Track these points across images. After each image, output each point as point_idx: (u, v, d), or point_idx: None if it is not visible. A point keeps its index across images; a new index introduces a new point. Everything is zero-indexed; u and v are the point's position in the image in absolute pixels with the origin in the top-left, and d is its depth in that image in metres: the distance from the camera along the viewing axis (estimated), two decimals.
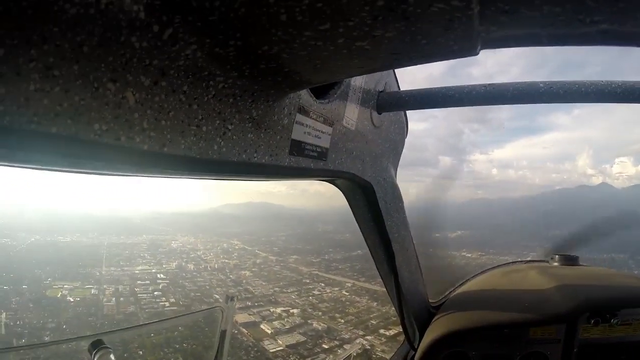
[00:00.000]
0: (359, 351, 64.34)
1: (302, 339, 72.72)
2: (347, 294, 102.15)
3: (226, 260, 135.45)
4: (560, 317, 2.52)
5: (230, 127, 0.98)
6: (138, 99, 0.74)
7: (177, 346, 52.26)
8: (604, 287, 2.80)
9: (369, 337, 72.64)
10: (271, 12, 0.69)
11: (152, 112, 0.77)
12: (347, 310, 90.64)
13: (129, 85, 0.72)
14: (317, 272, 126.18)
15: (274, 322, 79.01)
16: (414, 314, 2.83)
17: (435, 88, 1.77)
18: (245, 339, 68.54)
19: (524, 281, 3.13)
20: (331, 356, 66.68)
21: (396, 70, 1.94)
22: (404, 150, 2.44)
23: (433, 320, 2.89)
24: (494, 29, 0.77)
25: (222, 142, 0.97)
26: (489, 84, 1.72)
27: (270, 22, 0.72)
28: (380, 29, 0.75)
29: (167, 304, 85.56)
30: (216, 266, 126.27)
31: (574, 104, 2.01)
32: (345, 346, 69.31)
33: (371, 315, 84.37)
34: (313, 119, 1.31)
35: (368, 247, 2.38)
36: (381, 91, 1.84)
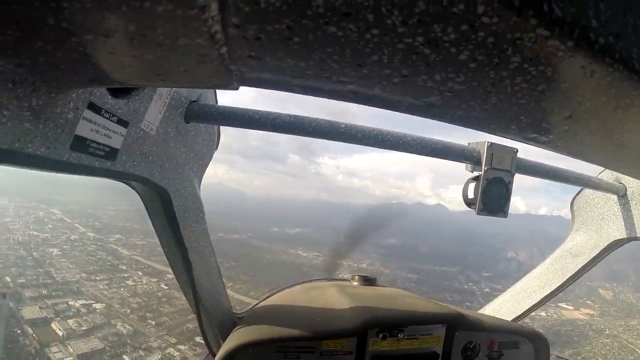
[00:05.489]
0: None
1: (99, 346, 62.90)
2: (166, 287, 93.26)
3: (36, 233, 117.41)
4: (349, 331, 2.68)
5: (5, 112, 0.95)
6: None
7: None
8: (392, 306, 3.00)
9: (181, 347, 65.69)
10: (39, 14, 0.69)
11: None
12: (161, 309, 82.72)
13: None
14: (138, 257, 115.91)
15: (69, 321, 67.54)
16: (218, 323, 2.94)
17: (244, 109, 1.91)
18: (29, 342, 56.71)
19: (322, 298, 3.24)
20: None
21: None
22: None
23: (233, 331, 2.78)
24: (246, 70, 0.81)
25: None
26: (294, 116, 1.90)
27: (42, 21, 0.72)
28: (139, 50, 0.77)
29: None
30: (21, 239, 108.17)
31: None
32: (150, 358, 60.77)
33: (189, 317, 75.68)
34: (105, 117, 1.30)
35: (165, 254, 2.39)
36: (193, 101, 1.90)
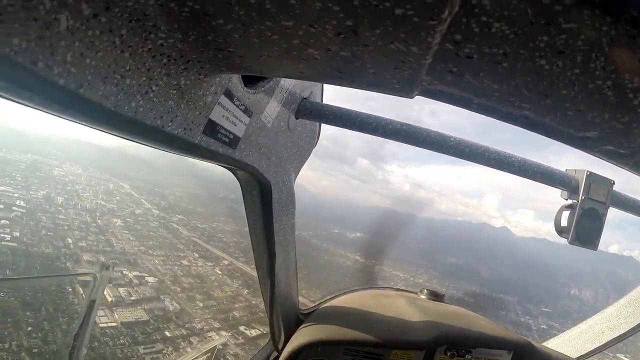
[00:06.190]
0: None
1: (145, 317, 62.78)
2: (220, 273, 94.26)
3: (102, 202, 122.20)
4: (420, 344, 2.74)
5: (154, 87, 0.94)
6: (71, 26, 0.66)
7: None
8: (463, 325, 3.01)
9: (224, 333, 64.11)
10: None
11: (80, 45, 0.70)
12: (211, 293, 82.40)
13: (67, 7, 0.64)
14: (197, 239, 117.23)
15: (120, 289, 68.35)
16: (283, 317, 2.94)
17: (355, 111, 1.92)
18: (77, 302, 56.32)
19: (391, 307, 3.24)
20: (170, 348, 57.33)
21: None
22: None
23: (301, 327, 2.96)
24: (436, 83, 0.84)
25: (142, 101, 0.93)
26: (406, 124, 1.91)
27: None
28: (338, 46, 0.77)
29: (7, 237, 71.37)
30: (88, 206, 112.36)
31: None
32: (192, 338, 59.77)
33: (237, 305, 76.64)
34: (235, 105, 1.33)
35: (251, 243, 2.44)
36: (305, 98, 1.95)
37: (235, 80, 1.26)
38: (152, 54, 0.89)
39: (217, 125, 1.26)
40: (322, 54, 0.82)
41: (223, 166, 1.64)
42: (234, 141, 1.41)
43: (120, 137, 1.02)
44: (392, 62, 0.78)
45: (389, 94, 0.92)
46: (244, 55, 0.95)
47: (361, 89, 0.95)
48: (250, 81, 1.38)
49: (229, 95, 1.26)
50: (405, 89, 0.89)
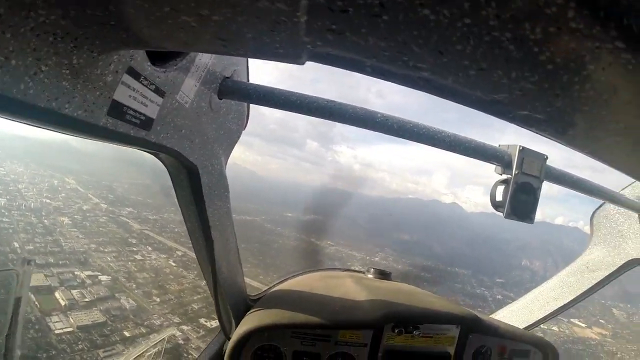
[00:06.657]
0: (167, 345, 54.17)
1: (101, 319, 61.41)
2: (174, 265, 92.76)
3: (48, 201, 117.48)
4: (368, 323, 2.81)
5: (44, 68, 0.91)
6: None
7: None
8: (409, 302, 3.10)
9: (185, 327, 63.97)
10: None
11: None
12: (168, 287, 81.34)
13: None
14: (149, 231, 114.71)
15: (73, 291, 66.25)
16: (231, 304, 2.94)
17: (279, 89, 1.87)
18: (30, 310, 54.94)
19: (339, 287, 3.35)
20: (130, 348, 56.08)
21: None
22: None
23: (248, 313, 2.98)
24: (320, 44, 0.79)
25: (32, 83, 0.90)
26: (331, 101, 1.89)
27: None
28: (207, 9, 0.74)
29: None
30: (33, 206, 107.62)
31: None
32: (152, 336, 59.57)
33: (195, 297, 75.89)
34: (143, 84, 1.27)
35: (187, 230, 2.40)
36: (227, 77, 1.90)
37: (139, 58, 1.21)
38: (36, 32, 0.85)
39: (124, 106, 1.21)
40: (196, 21, 0.80)
41: (143, 150, 1.57)
42: (146, 123, 1.35)
43: (16, 121, 0.97)
44: (266, 24, 0.75)
45: (278, 61, 0.90)
46: (126, 28, 0.91)
47: (248, 57, 0.92)
48: (160, 59, 1.33)
49: (133, 73, 1.20)
50: (291, 54, 0.86)
